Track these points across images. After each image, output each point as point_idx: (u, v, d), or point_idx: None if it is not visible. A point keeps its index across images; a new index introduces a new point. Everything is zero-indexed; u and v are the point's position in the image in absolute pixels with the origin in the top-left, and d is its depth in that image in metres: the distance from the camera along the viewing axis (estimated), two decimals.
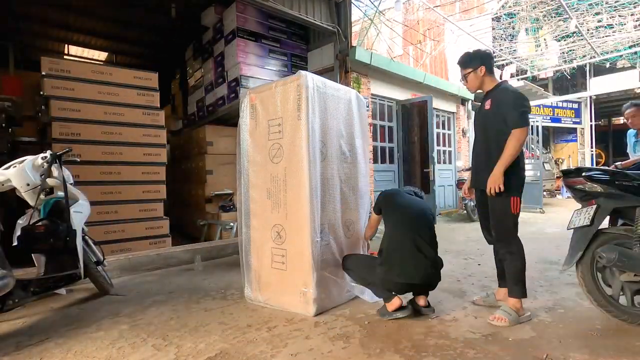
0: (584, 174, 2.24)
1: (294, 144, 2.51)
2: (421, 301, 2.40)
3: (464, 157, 9.01)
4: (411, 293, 2.45)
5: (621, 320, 2.16)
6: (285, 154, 2.57)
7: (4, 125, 3.71)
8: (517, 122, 2.25)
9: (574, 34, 9.38)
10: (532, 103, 11.23)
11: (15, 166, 2.54)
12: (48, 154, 2.64)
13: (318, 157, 2.53)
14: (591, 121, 11.44)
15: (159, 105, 4.58)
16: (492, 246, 2.57)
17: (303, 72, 2.51)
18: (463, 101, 9.10)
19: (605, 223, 2.27)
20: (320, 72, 6.11)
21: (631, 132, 3.91)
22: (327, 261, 2.61)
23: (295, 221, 2.52)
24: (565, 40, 10.08)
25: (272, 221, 2.67)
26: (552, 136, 14.39)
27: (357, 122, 2.97)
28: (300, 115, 2.48)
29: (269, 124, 2.68)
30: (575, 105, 12.23)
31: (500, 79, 11.68)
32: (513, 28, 10.23)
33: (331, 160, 2.69)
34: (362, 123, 3.04)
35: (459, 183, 7.23)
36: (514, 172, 2.31)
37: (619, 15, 8.61)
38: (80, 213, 2.75)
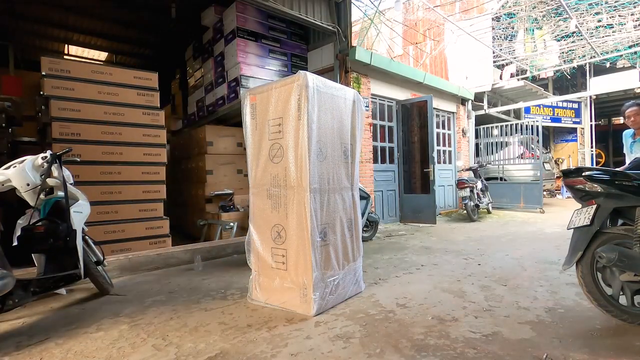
0: (584, 174, 2.24)
1: (295, 144, 2.50)
2: None
3: (464, 157, 9.02)
4: None
5: (621, 320, 2.16)
6: (286, 154, 2.56)
7: (4, 125, 3.71)
8: None
9: (574, 34, 9.38)
10: (532, 103, 11.26)
11: (15, 166, 2.54)
12: (48, 154, 2.64)
13: (318, 157, 2.54)
14: (591, 121, 11.43)
15: (159, 105, 4.57)
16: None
17: (303, 72, 2.50)
18: (463, 101, 9.10)
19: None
20: (320, 72, 6.11)
21: (627, 133, 3.90)
22: (328, 261, 2.61)
23: (296, 221, 2.51)
24: (565, 40, 10.08)
25: (272, 221, 2.67)
26: (552, 136, 14.39)
27: (357, 122, 2.98)
28: (300, 115, 2.47)
29: (269, 124, 2.66)
30: (575, 105, 12.23)
31: (501, 79, 11.64)
32: (513, 28, 10.23)
33: (331, 160, 2.70)
34: (361, 123, 3.05)
35: (459, 183, 7.24)
36: None
37: (619, 15, 8.60)
38: (80, 213, 2.75)
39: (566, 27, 8.81)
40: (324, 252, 2.58)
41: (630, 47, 9.62)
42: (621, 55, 10.15)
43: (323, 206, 2.59)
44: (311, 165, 2.46)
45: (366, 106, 6.26)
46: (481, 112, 9.99)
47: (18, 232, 2.54)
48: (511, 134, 9.09)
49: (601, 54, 9.94)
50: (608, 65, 10.85)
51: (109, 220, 4.10)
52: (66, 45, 7.74)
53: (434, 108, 7.55)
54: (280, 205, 2.61)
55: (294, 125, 2.50)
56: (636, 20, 8.79)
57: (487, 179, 8.67)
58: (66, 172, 2.78)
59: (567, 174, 2.39)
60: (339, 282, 2.69)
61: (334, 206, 2.70)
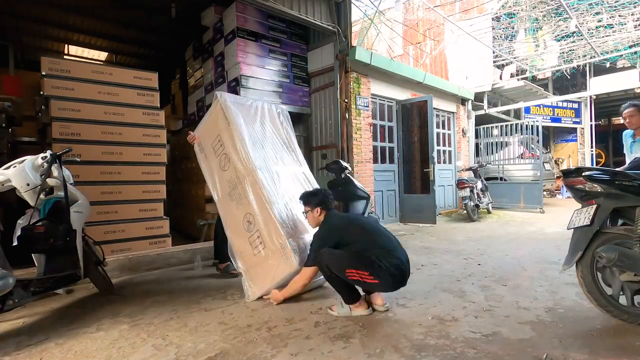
0: (584, 174, 2.24)
1: (233, 144, 2.98)
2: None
3: (464, 157, 9.02)
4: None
5: (621, 320, 2.17)
6: (230, 156, 3.02)
7: (4, 125, 3.71)
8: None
9: (574, 34, 9.37)
10: (532, 103, 11.23)
11: (15, 166, 2.54)
12: (48, 154, 2.64)
13: (255, 146, 3.04)
14: (591, 121, 11.41)
15: (159, 105, 4.57)
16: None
17: (218, 93, 3.15)
18: (463, 101, 9.10)
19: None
20: (320, 72, 6.11)
21: (627, 133, 3.92)
22: (295, 224, 2.90)
23: (256, 200, 2.85)
24: (565, 40, 10.07)
25: (240, 215, 2.96)
26: (552, 136, 14.38)
27: (280, 121, 3.58)
28: (229, 121, 3.03)
29: (212, 146, 3.17)
30: (575, 105, 12.21)
31: (500, 79, 11.60)
32: (513, 28, 10.22)
33: (270, 149, 3.22)
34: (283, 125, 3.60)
35: (459, 183, 7.24)
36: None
37: (619, 15, 8.60)
38: (80, 213, 2.75)
39: (566, 27, 8.80)
40: (289, 217, 2.89)
41: (630, 47, 9.61)
42: (621, 55, 10.14)
43: (275, 180, 2.99)
44: (250, 150, 2.94)
45: (366, 106, 6.26)
46: (481, 112, 9.98)
47: (18, 232, 2.54)
48: (511, 134, 9.09)
49: (601, 54, 9.93)
50: (608, 65, 10.84)
51: (109, 220, 4.09)
52: (66, 45, 7.73)
53: (434, 108, 7.55)
54: (242, 198, 2.96)
55: (228, 132, 3.02)
56: (636, 20, 8.79)
57: (487, 179, 8.66)
58: (66, 172, 2.78)
59: (567, 174, 2.39)
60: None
61: (287, 179, 3.13)
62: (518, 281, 3.14)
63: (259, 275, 2.85)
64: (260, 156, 3.02)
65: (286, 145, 3.43)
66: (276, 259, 2.75)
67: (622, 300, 2.19)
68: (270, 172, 3.01)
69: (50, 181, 2.69)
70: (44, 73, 3.88)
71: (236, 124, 3.02)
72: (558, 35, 9.91)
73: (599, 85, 11.11)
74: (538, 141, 8.60)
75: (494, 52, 10.37)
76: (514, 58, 10.81)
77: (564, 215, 7.17)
